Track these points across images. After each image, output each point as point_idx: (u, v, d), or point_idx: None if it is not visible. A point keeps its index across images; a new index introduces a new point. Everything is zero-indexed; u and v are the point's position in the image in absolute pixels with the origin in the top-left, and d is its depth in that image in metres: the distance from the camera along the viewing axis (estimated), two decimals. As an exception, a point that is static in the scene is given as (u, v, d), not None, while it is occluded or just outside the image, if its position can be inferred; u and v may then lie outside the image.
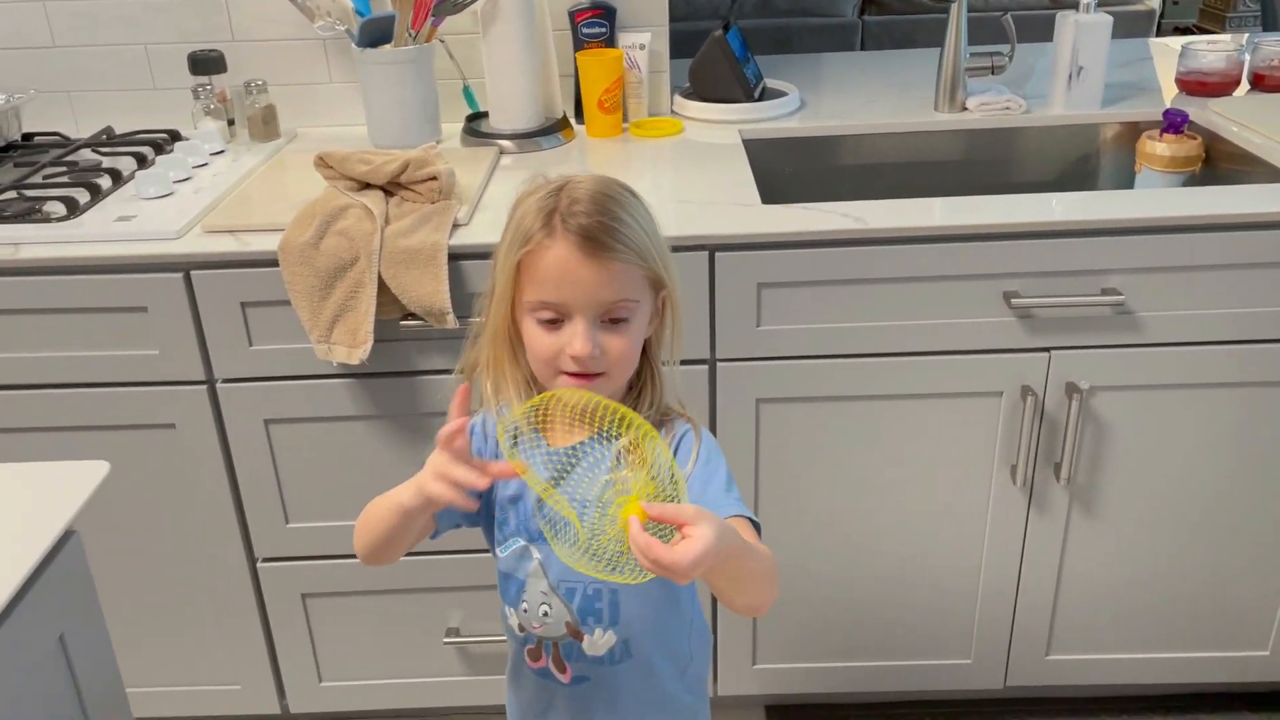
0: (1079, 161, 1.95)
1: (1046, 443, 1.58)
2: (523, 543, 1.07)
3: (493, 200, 1.59)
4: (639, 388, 1.05)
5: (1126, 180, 1.89)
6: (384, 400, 1.55)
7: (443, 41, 1.87)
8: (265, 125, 1.88)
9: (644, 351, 1.04)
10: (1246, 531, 1.65)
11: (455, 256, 1.45)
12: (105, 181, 1.64)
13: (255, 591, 1.69)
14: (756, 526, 0.99)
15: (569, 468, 0.98)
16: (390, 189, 1.54)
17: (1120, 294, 1.47)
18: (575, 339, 0.97)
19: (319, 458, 1.60)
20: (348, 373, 1.53)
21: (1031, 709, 1.84)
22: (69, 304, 1.49)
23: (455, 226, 1.48)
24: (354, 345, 1.45)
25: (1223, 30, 4.37)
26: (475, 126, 1.89)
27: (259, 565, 1.68)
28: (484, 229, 1.49)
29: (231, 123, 1.90)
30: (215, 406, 1.56)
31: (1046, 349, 1.53)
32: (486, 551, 1.61)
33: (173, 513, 1.63)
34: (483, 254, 1.47)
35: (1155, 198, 1.48)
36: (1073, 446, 1.56)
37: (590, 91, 1.86)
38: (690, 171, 1.70)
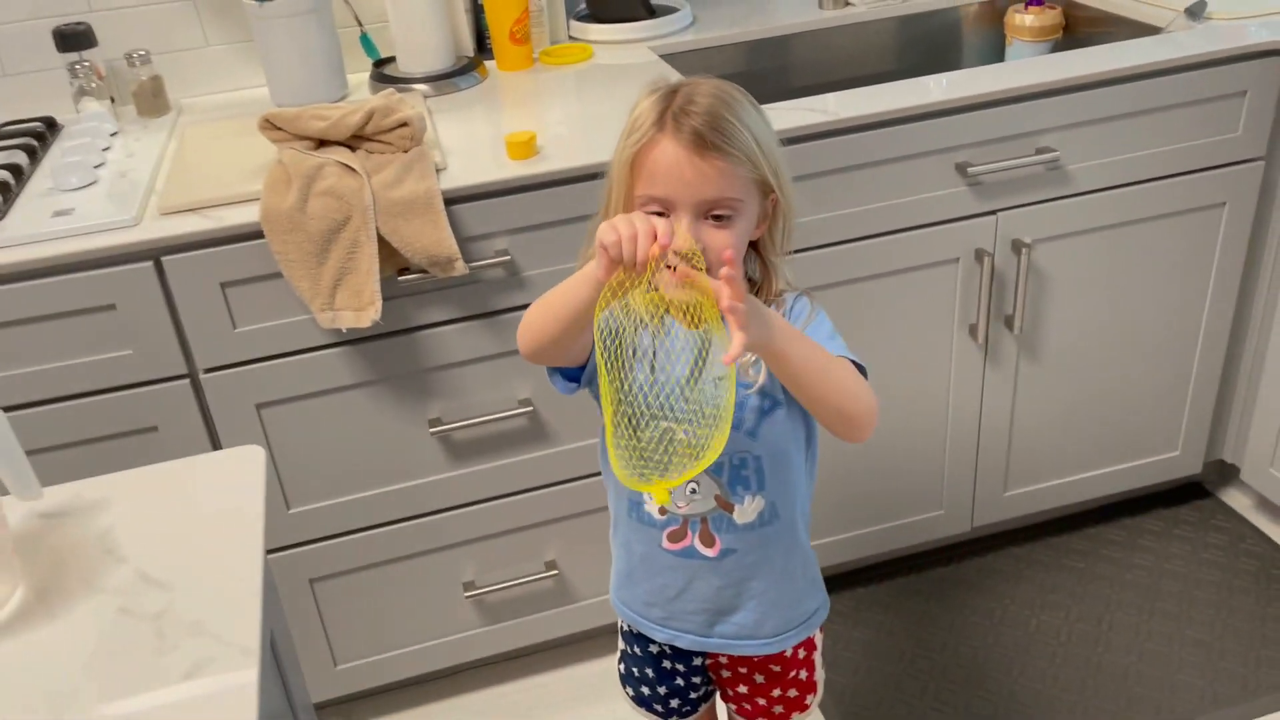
0: (955, 41, 2.10)
1: (997, 298, 1.73)
2: (666, 424, 1.08)
3: (453, 143, 1.55)
4: (756, 283, 1.08)
5: (1000, 53, 2.06)
6: (384, 363, 1.50)
7: (336, -13, 1.78)
8: (154, 99, 1.73)
9: (758, 249, 1.07)
10: (1159, 348, 1.87)
11: (446, 201, 1.41)
12: (8, 178, 1.47)
13: (258, 588, 1.61)
14: (863, 371, 1.06)
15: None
16: (351, 144, 1.47)
17: (1054, 150, 1.62)
18: (678, 233, 0.99)
19: (318, 435, 1.53)
20: (342, 340, 1.47)
21: (994, 544, 2.03)
22: (23, 314, 1.34)
23: (437, 171, 1.43)
24: (360, 308, 1.39)
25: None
26: (384, 73, 1.81)
27: (260, 560, 1.59)
28: (464, 172, 1.45)
29: (113, 100, 1.73)
30: (200, 400, 1.46)
31: (994, 212, 1.66)
32: (490, 500, 1.61)
33: (163, 523, 1.51)
34: (472, 196, 1.44)
35: (1073, 60, 1.63)
36: (1023, 298, 1.72)
37: (499, 24, 1.82)
38: (629, 93, 1.70)
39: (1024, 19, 1.98)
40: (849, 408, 1.03)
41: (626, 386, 0.94)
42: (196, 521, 0.85)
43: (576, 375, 1.10)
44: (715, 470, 1.08)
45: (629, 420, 0.94)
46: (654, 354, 1.00)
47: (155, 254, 1.36)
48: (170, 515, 0.86)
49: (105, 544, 0.83)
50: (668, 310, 0.96)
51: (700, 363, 0.99)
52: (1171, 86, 1.63)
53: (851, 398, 1.03)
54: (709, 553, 1.12)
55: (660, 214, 1.00)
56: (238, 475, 0.89)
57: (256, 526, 0.82)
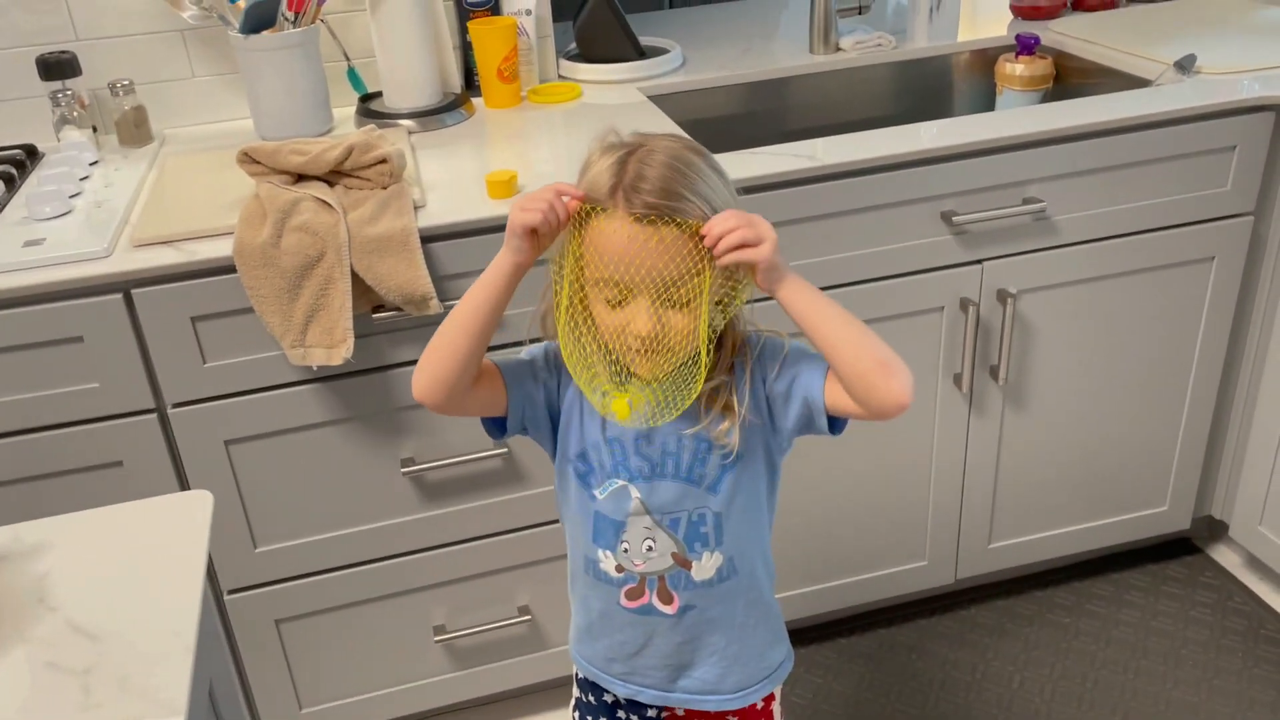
0: (946, 89, 2.09)
1: (983, 348, 1.71)
2: (621, 482, 1.06)
3: (434, 180, 1.53)
4: (718, 331, 1.05)
5: (990, 101, 2.05)
6: (356, 401, 1.48)
7: (324, 22, 1.77)
8: (137, 129, 1.72)
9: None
10: (1147, 402, 1.85)
11: (423, 239, 1.39)
12: (-18, 207, 1.45)
13: (223, 627, 1.57)
14: None
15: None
16: (330, 179, 1.45)
17: (1041, 201, 1.61)
18: (638, 318, 0.96)
19: (287, 473, 1.50)
20: (314, 377, 1.44)
21: (977, 595, 2.00)
22: (-13, 345, 1.32)
23: (415, 209, 1.42)
24: (332, 345, 1.37)
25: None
26: (369, 108, 1.80)
27: (226, 599, 1.56)
28: (443, 209, 1.43)
29: (95, 129, 1.72)
30: (167, 435, 1.43)
31: (979, 261, 1.65)
32: (462, 543, 1.58)
33: (126, 559, 1.48)
34: (450, 234, 1.42)
35: (1061, 111, 1.62)
36: (1007, 349, 1.70)
37: (487, 61, 1.81)
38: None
39: (1015, 68, 1.98)
40: (880, 352, 0.96)
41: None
42: (136, 569, 0.83)
43: (503, 422, 1.08)
44: (672, 526, 1.06)
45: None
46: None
47: (125, 286, 1.34)
48: (110, 562, 0.83)
49: (39, 591, 0.81)
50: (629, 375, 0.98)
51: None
52: (1161, 140, 1.62)
53: (880, 343, 0.97)
54: (668, 610, 1.09)
55: (618, 295, 0.96)
56: (184, 521, 0.86)
57: (197, 576, 0.80)
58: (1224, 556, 2.06)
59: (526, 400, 1.07)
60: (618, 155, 0.97)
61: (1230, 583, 2.00)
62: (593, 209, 0.96)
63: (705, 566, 1.07)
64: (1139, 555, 2.06)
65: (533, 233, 0.96)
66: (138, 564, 0.83)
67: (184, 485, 1.47)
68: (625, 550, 1.07)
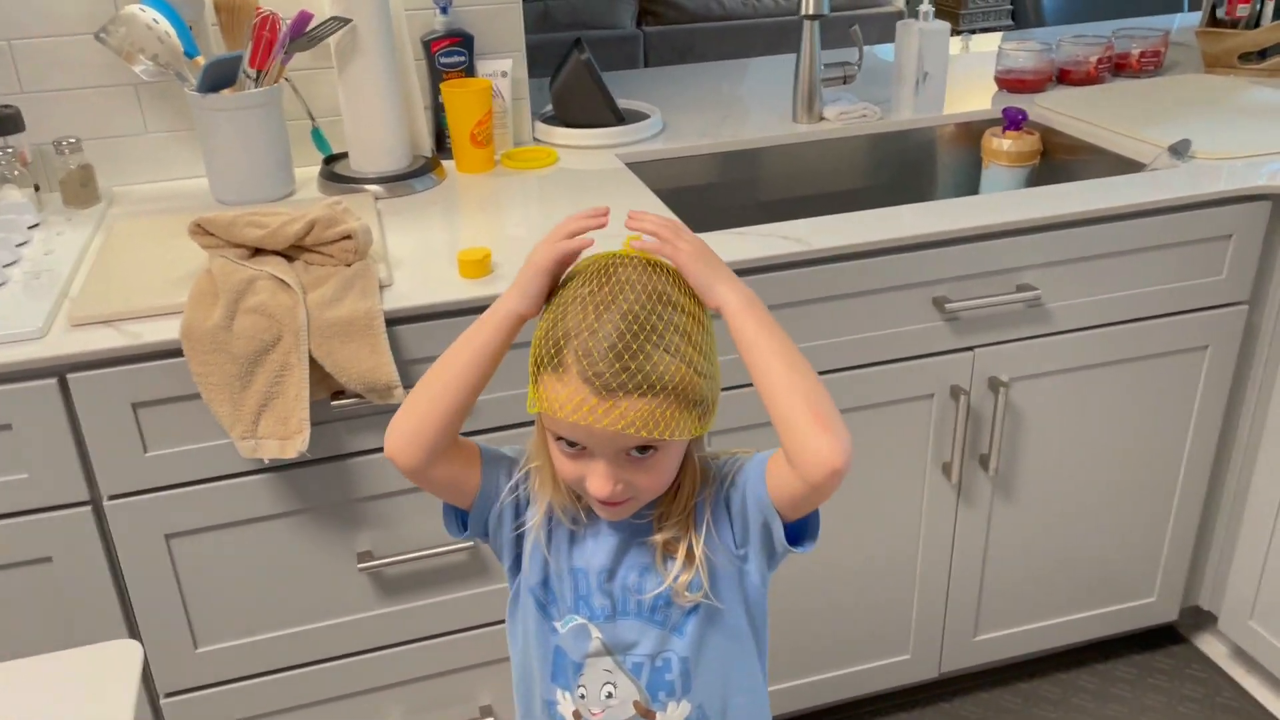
0: (930, 161, 2.04)
1: (972, 436, 1.64)
2: (581, 621, 0.97)
3: (402, 254, 1.44)
4: (677, 483, 0.95)
5: (975, 175, 2.00)
6: (311, 491, 1.37)
7: (288, 80, 1.68)
8: (83, 188, 1.61)
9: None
10: (1137, 492, 1.79)
11: (389, 322, 1.30)
12: (-94, 276, 1.34)
13: (159, 733, 1.45)
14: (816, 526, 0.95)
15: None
16: (290, 254, 1.35)
17: (1035, 288, 1.55)
18: (594, 478, 0.87)
19: (233, 569, 1.39)
20: (265, 467, 1.34)
21: (961, 687, 1.92)
22: (-97, 433, 1.20)
23: (380, 288, 1.32)
24: (286, 436, 1.26)
25: (957, 27, 4.77)
26: (334, 170, 1.71)
27: (162, 702, 1.44)
28: (411, 290, 1.34)
29: (37, 188, 1.61)
30: (102, 529, 1.32)
31: (970, 348, 1.58)
32: (422, 640, 1.47)
33: (52, 662, 1.36)
34: (417, 317, 1.33)
35: (1056, 197, 1.57)
36: (999, 438, 1.63)
37: (460, 125, 1.73)
38: (595, 203, 1.61)
39: (1001, 143, 1.93)
40: (819, 403, 0.84)
41: None
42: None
43: (465, 516, 0.99)
44: (634, 671, 0.96)
45: None
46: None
47: (61, 371, 1.23)
48: (28, 720, 0.73)
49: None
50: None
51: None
52: (1157, 227, 1.57)
53: (823, 394, 0.86)
54: None
55: (576, 448, 0.88)
56: (110, 674, 0.75)
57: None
58: (1210, 646, 2.00)
59: (496, 492, 0.98)
60: (583, 297, 0.86)
61: (1218, 675, 1.94)
62: (550, 364, 0.86)
63: (671, 717, 0.97)
64: (1123, 644, 2.00)
65: (555, 275, 0.90)
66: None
67: (119, 582, 1.35)
68: (583, 696, 0.97)
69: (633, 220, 0.90)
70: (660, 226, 0.89)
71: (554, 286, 0.90)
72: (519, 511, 0.99)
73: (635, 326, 0.83)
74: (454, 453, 0.95)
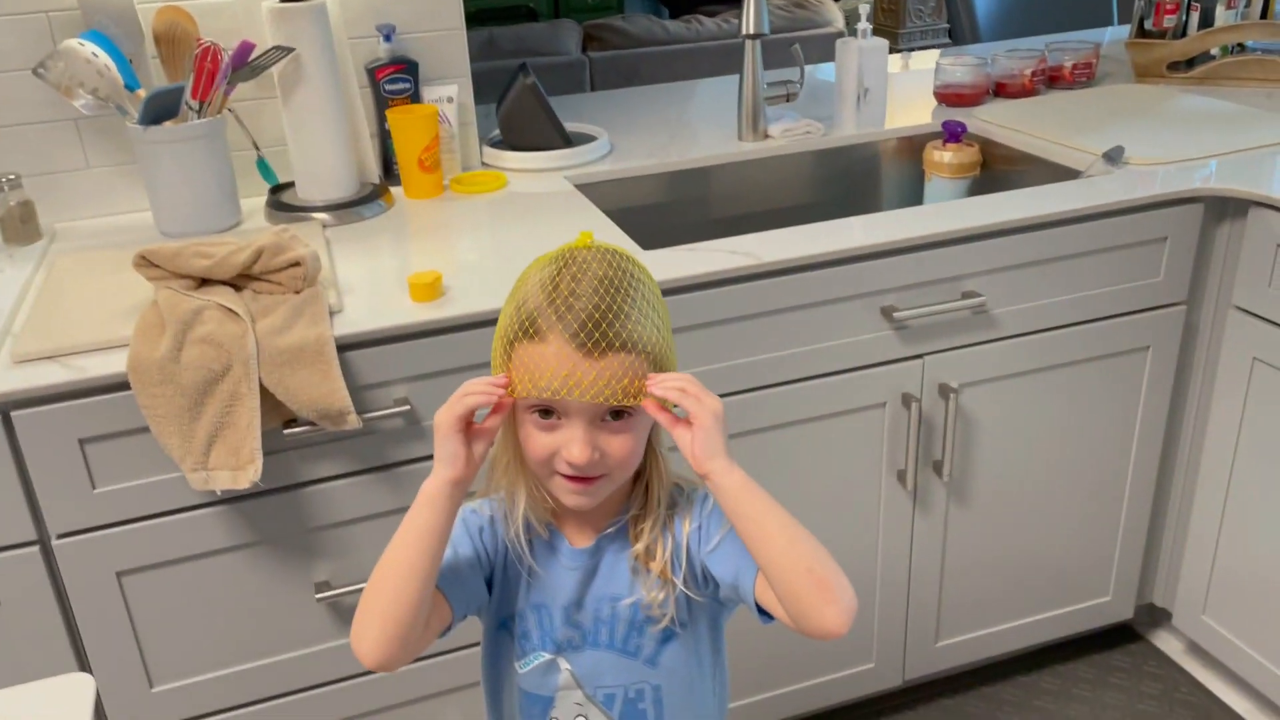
0: (874, 175, 2.07)
1: (925, 443, 1.66)
2: (547, 656, 0.97)
3: (352, 281, 1.44)
4: (645, 479, 0.97)
5: (918, 188, 2.04)
6: (265, 523, 1.35)
7: (232, 110, 1.67)
8: (23, 225, 1.59)
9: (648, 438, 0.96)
10: (1087, 491, 1.82)
11: (340, 348, 1.29)
12: None
13: (114, 777, 1.42)
14: None
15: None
16: (238, 283, 1.34)
17: (980, 295, 1.57)
18: (573, 444, 0.88)
19: (187, 605, 1.37)
20: (217, 500, 1.32)
21: (924, 695, 1.93)
22: None
23: (331, 314, 1.32)
24: (238, 467, 1.25)
25: (896, 45, 4.86)
26: (281, 200, 1.70)
27: (117, 745, 1.41)
28: (362, 315, 1.34)
29: (-24, 226, 1.59)
30: (51, 568, 1.29)
31: (920, 355, 1.60)
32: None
33: (1, 708, 1.32)
34: (368, 342, 1.32)
35: (997, 204, 1.60)
36: (951, 444, 1.65)
37: (407, 151, 1.73)
38: (546, 225, 1.62)
39: (942, 155, 1.97)
40: (821, 568, 0.87)
41: None
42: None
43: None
44: (606, 703, 0.97)
45: None
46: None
47: (4, 409, 1.21)
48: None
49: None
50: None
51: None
52: (1094, 232, 1.60)
53: (823, 557, 0.88)
54: None
55: (550, 415, 0.89)
56: (61, 709, 0.74)
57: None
58: (1166, 643, 2.04)
59: (471, 597, 0.97)
60: (552, 270, 0.90)
61: (1176, 672, 1.97)
62: (526, 334, 0.88)
63: None
64: (1083, 644, 2.02)
65: (468, 436, 0.88)
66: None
67: (69, 623, 1.33)
68: None
69: (653, 384, 0.88)
70: (687, 383, 0.88)
71: (469, 443, 0.89)
72: (490, 573, 0.99)
73: (613, 290, 0.87)
74: (429, 621, 0.92)
